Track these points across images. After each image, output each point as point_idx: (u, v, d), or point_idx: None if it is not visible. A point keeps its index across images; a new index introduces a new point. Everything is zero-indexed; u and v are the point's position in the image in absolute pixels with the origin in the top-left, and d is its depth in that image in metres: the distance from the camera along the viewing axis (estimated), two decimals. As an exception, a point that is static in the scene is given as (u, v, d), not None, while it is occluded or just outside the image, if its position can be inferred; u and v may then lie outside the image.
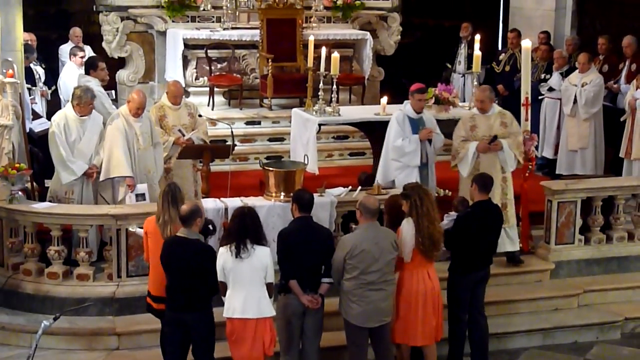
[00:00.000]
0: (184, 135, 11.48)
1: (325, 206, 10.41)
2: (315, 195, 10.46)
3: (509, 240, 11.16)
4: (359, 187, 11.13)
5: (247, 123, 15.28)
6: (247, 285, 8.47)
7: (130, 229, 10.07)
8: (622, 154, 14.09)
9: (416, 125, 11.39)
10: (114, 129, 10.87)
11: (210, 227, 9.03)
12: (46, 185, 11.53)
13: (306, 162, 10.76)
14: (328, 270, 8.98)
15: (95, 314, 10.14)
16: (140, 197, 10.83)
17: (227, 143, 11.91)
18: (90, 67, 12.35)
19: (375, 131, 12.79)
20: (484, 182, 9.74)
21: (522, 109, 11.88)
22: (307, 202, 9.05)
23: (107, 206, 10.69)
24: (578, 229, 11.64)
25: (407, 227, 9.07)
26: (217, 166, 12.57)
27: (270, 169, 10.41)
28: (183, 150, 11.23)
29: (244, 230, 8.46)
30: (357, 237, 8.90)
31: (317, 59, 13.21)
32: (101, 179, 10.93)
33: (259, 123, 15.37)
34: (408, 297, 9.14)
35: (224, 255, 8.49)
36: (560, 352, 10.57)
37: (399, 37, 17.24)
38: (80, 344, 9.89)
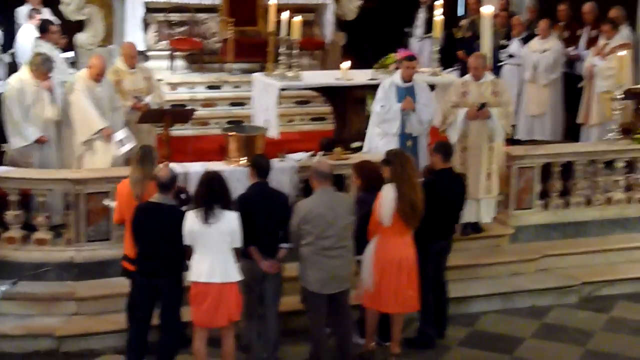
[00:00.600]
0: (141, 101, 11.40)
1: (286, 171, 10.40)
2: (276, 160, 10.48)
3: (485, 211, 11.20)
4: (321, 152, 11.12)
5: (208, 87, 15.21)
6: (214, 250, 8.46)
7: (104, 202, 9.99)
8: (580, 120, 14.21)
9: (403, 93, 11.25)
10: (78, 92, 10.78)
11: (183, 196, 9.06)
12: (2, 149, 11.41)
13: (267, 127, 10.73)
14: (286, 235, 8.99)
15: (54, 278, 10.08)
16: (125, 140, 10.78)
17: (188, 107, 11.84)
18: (41, 30, 12.23)
19: (336, 96, 12.78)
20: (445, 150, 9.72)
21: (483, 75, 11.91)
22: (264, 168, 9.03)
23: (66, 170, 10.60)
24: (537, 194, 11.73)
25: (388, 191, 9.00)
26: (178, 131, 12.50)
27: (231, 133, 10.38)
28: (143, 115, 11.16)
29: (212, 195, 8.44)
30: (311, 202, 8.87)
31: (278, 23, 13.13)
32: (83, 139, 10.83)
33: (220, 87, 15.30)
34: (382, 263, 9.06)
35: (191, 220, 8.47)
36: (518, 316, 10.67)
37: (361, 1, 17.17)
38: (38, 309, 9.83)
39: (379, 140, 11.31)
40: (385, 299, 9.14)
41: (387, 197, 8.99)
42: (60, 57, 12.40)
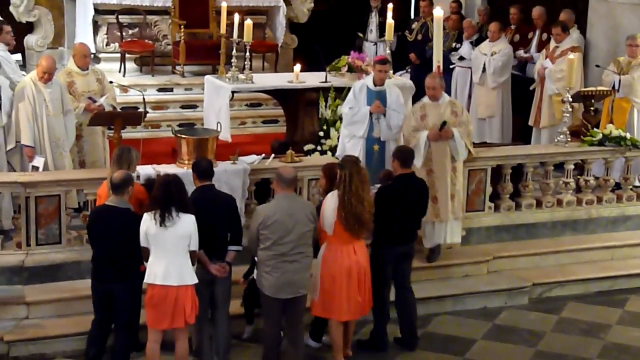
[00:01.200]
0: (94, 102, 11.33)
1: (238, 174, 10.37)
2: (228, 162, 10.46)
3: (449, 232, 11.00)
4: (272, 155, 11.11)
5: (159, 90, 15.13)
6: (170, 253, 8.44)
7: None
8: (531, 122, 14.33)
9: (373, 97, 11.15)
10: (20, 96, 10.72)
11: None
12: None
13: (219, 129, 10.69)
14: (235, 237, 8.97)
15: (4, 282, 9.97)
16: (34, 169, 10.65)
17: (139, 110, 11.76)
18: None
19: (288, 98, 12.77)
20: (404, 156, 9.68)
21: (434, 78, 11.97)
22: (204, 170, 8.97)
23: (15, 173, 10.49)
24: (488, 196, 11.80)
25: (330, 199, 9.00)
26: (129, 133, 12.43)
27: (183, 136, 10.31)
28: (94, 117, 11.07)
29: (169, 198, 8.40)
30: (271, 207, 8.85)
31: (230, 25, 13.11)
32: (8, 146, 10.76)
33: (172, 90, 15.23)
34: (332, 271, 9.01)
35: (147, 222, 8.44)
36: (470, 318, 10.72)
37: (312, 4, 17.21)
38: (-12, 314, 9.73)
39: (346, 143, 11.27)
40: (337, 307, 9.09)
41: (327, 207, 9.01)
42: (13, 57, 12.29)
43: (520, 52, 15.15)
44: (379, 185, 9.83)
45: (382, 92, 11.22)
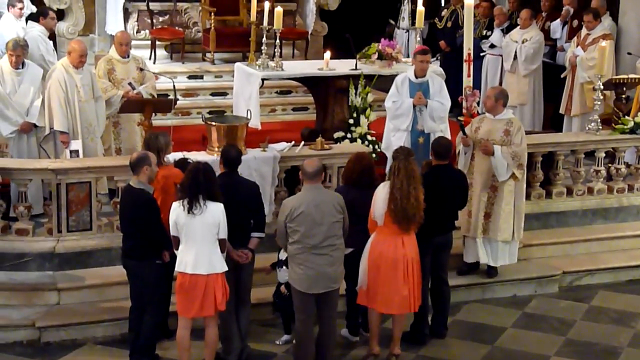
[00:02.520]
0: (134, 89, 11.38)
1: (268, 161, 10.39)
2: (258, 150, 10.47)
3: (482, 252, 10.67)
4: (302, 142, 11.11)
5: (190, 77, 15.15)
6: (199, 241, 8.47)
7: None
8: (562, 111, 14.26)
9: (415, 89, 11.09)
10: (54, 81, 10.80)
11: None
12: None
13: (249, 116, 10.71)
14: (258, 224, 8.98)
15: (35, 269, 10.05)
16: (74, 153, 10.74)
17: (169, 97, 11.79)
18: (40, 14, 12.54)
19: (318, 86, 12.75)
20: (437, 148, 9.64)
21: (465, 65, 11.95)
22: (232, 159, 8.99)
23: (46, 160, 10.56)
24: (519, 184, 11.75)
25: (381, 189, 8.95)
26: (160, 120, 12.46)
27: (213, 123, 10.34)
28: (125, 105, 11.13)
29: (196, 186, 8.43)
30: (297, 200, 8.80)
31: (260, 12, 13.09)
32: (46, 131, 10.85)
33: (202, 77, 15.24)
34: (377, 262, 8.95)
35: (176, 211, 8.49)
36: (499, 306, 10.71)
37: (343, -9, 17.17)
38: (19, 299, 9.79)
39: (392, 136, 11.21)
40: (380, 297, 9.02)
41: (378, 197, 8.95)
42: (50, 42, 12.50)
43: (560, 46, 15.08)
44: None
45: (425, 84, 11.14)
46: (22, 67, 10.95)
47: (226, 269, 8.62)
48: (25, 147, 10.99)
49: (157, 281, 8.83)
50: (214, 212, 8.45)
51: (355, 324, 9.62)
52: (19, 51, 10.86)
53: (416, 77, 11.14)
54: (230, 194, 8.74)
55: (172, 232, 8.55)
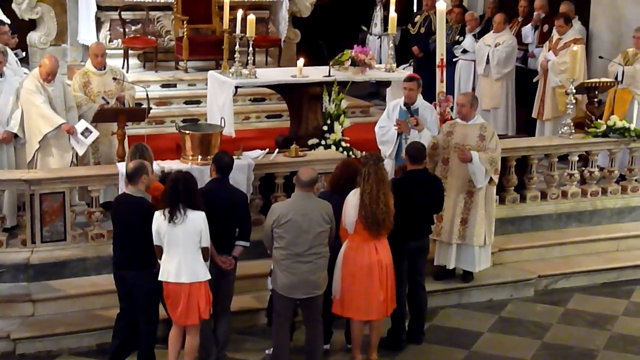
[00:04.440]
0: (107, 103, 11.31)
1: (242, 169, 10.37)
2: (233, 157, 10.45)
3: (453, 256, 10.68)
4: (276, 150, 11.11)
5: (163, 86, 15.11)
6: (181, 250, 8.47)
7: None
8: (534, 115, 14.32)
9: (405, 116, 10.93)
10: (29, 89, 10.67)
11: None
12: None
13: (223, 124, 10.70)
14: (243, 233, 8.98)
15: (10, 280, 9.98)
16: (87, 132, 10.70)
17: (143, 106, 11.76)
18: None
19: (292, 93, 12.75)
20: (413, 153, 9.63)
21: (437, 71, 11.98)
22: (225, 166, 9.02)
23: (19, 171, 10.49)
24: (493, 188, 11.78)
25: (352, 198, 8.94)
26: (133, 129, 12.42)
27: (187, 132, 10.32)
28: (98, 114, 11.06)
29: (176, 195, 8.43)
30: (285, 206, 8.82)
31: (232, 20, 13.10)
32: (45, 132, 10.68)
33: (175, 86, 15.21)
34: (352, 269, 8.95)
35: (158, 220, 8.49)
36: (476, 310, 10.73)
37: (315, -2, 17.19)
38: (-6, 311, 9.75)
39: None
40: (356, 305, 9.02)
41: (348, 205, 8.95)
42: (13, 57, 12.28)
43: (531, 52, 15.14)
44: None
45: (415, 112, 10.98)
46: (2, 77, 10.81)
47: (209, 277, 8.62)
48: (5, 158, 10.82)
49: (154, 290, 8.79)
50: (195, 221, 8.44)
51: (327, 331, 9.51)
52: (1, 57, 10.76)
53: (405, 104, 11.04)
54: (218, 200, 8.77)
55: (155, 242, 8.54)
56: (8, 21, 13.09)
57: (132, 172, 8.71)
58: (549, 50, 13.97)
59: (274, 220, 8.69)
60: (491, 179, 10.49)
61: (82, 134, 10.74)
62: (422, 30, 16.14)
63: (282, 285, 8.76)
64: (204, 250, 8.55)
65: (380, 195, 8.82)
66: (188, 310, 8.55)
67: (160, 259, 8.59)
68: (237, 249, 8.99)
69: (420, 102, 11.09)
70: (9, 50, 11.84)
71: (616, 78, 13.05)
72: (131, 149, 9.26)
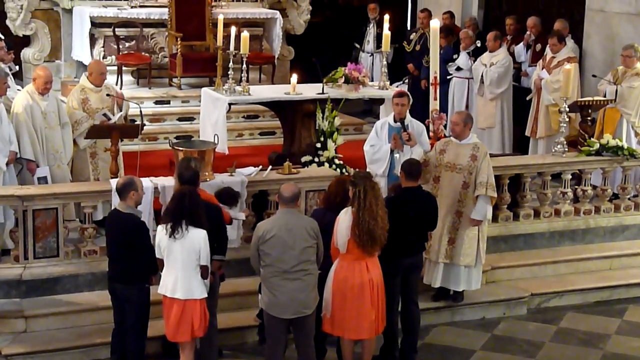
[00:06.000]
0: (109, 119, 11.28)
1: (235, 186, 10.35)
2: (226, 174, 10.46)
3: (440, 275, 10.62)
4: (269, 167, 11.10)
5: (156, 102, 15.13)
6: (179, 266, 8.48)
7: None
8: (527, 133, 14.33)
9: (398, 132, 10.87)
10: (19, 108, 10.67)
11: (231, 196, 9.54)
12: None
13: (216, 141, 10.70)
14: (219, 247, 8.96)
15: (2, 296, 9.95)
16: (42, 180, 10.64)
17: (136, 122, 11.75)
18: None
19: (285, 110, 12.77)
20: (409, 169, 9.61)
21: (431, 88, 11.99)
22: (186, 180, 8.89)
23: (13, 187, 10.46)
24: (486, 206, 11.78)
25: (344, 217, 8.89)
26: (127, 146, 12.42)
27: (180, 148, 10.32)
28: (91, 130, 11.03)
29: (180, 211, 8.44)
30: (269, 223, 8.79)
31: (226, 37, 13.13)
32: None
33: (168, 102, 15.23)
34: (343, 289, 8.89)
35: (160, 234, 8.52)
36: (468, 328, 10.72)
37: (309, 16, 17.22)
38: (-15, 328, 9.71)
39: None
40: (347, 324, 8.98)
41: (341, 224, 8.91)
42: (8, 71, 12.28)
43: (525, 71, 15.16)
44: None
45: (407, 127, 10.89)
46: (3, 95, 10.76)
47: (205, 295, 8.61)
48: (7, 178, 10.64)
49: (143, 304, 8.82)
50: (195, 238, 8.44)
51: (320, 349, 9.47)
52: (6, 79, 10.74)
53: (395, 121, 10.99)
54: None
55: (157, 254, 8.59)
56: (2, 37, 13.09)
57: (120, 187, 8.78)
58: (542, 69, 13.99)
59: (258, 237, 8.67)
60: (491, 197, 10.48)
61: (38, 178, 10.68)
62: (418, 47, 16.18)
63: (271, 305, 8.71)
64: (203, 268, 8.54)
65: (379, 211, 8.81)
66: (179, 326, 8.53)
67: (161, 272, 8.62)
68: (214, 263, 8.90)
69: (409, 118, 11.08)
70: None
71: (605, 96, 13.07)
72: (181, 164, 9.22)
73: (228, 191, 9.83)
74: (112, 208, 9.15)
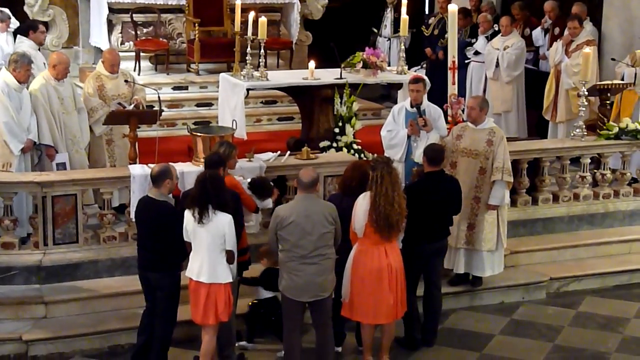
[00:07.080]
0: (123, 107, 11.31)
1: (254, 171, 10.37)
2: (244, 160, 10.46)
3: (461, 262, 10.63)
4: (288, 152, 11.11)
5: (174, 88, 15.15)
6: (205, 250, 8.51)
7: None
8: (547, 117, 14.27)
9: (411, 118, 10.82)
10: (37, 95, 10.70)
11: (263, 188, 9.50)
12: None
13: (234, 127, 10.71)
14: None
15: (22, 282, 10.00)
16: (61, 166, 10.69)
17: (154, 108, 11.77)
18: (30, 27, 12.38)
19: (303, 95, 12.76)
20: (431, 154, 9.60)
21: (449, 73, 11.95)
22: (208, 164, 8.98)
23: (32, 173, 10.51)
24: (505, 191, 11.75)
25: (362, 201, 8.89)
26: (145, 132, 12.45)
27: (198, 134, 10.34)
28: (109, 116, 11.06)
29: (205, 195, 8.46)
30: (288, 208, 8.81)
31: (244, 23, 13.12)
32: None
33: (187, 88, 15.25)
34: (361, 273, 8.90)
35: (187, 218, 8.55)
36: (487, 313, 10.71)
37: (326, 1, 17.18)
38: (6, 313, 9.74)
39: None
40: (365, 309, 8.98)
41: (358, 209, 8.91)
42: (41, 55, 12.41)
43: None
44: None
45: (423, 112, 10.82)
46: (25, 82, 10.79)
47: (231, 280, 8.64)
48: (23, 167, 10.72)
49: (175, 293, 8.88)
50: (220, 223, 8.46)
51: (339, 333, 9.52)
52: (29, 66, 10.77)
53: (411, 106, 10.93)
54: None
55: (185, 238, 8.62)
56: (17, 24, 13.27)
57: (156, 175, 8.76)
58: (563, 47, 13.87)
59: (277, 223, 8.70)
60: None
61: (57, 164, 10.75)
62: (436, 32, 16.12)
63: (288, 288, 8.76)
64: (228, 253, 8.57)
65: (395, 197, 8.78)
66: (205, 309, 8.57)
67: (189, 255, 8.67)
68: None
69: (426, 103, 11.04)
70: (37, 52, 11.99)
71: (622, 79, 13.00)
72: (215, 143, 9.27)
73: (262, 182, 9.79)
74: (144, 195, 9.06)
